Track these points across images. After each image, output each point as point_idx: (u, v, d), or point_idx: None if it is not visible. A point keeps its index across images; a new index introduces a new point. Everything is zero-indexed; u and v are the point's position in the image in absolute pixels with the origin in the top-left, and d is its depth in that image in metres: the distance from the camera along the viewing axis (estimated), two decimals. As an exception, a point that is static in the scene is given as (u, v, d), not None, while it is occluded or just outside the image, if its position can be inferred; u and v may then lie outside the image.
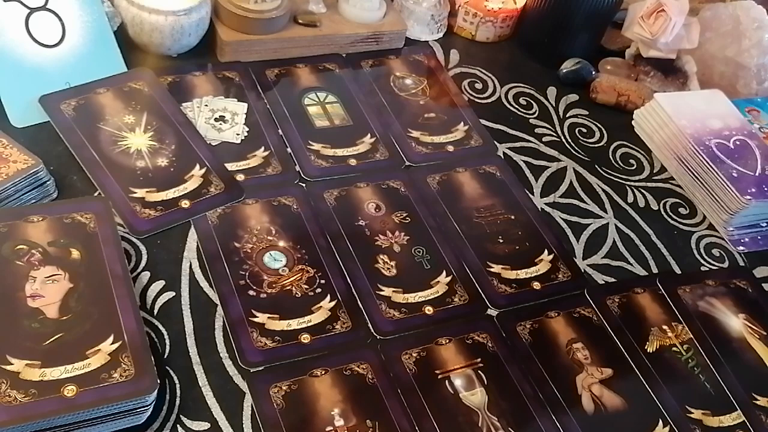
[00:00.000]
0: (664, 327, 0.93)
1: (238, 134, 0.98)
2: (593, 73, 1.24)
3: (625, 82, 1.23)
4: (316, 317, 0.82)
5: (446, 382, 0.81)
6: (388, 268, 0.89)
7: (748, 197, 1.04)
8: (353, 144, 1.03)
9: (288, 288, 0.84)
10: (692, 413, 0.86)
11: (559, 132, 1.16)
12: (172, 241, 0.85)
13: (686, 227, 1.08)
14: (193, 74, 1.04)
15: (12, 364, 0.66)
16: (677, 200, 1.11)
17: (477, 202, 1.01)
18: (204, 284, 0.83)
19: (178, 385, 0.74)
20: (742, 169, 1.08)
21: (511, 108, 1.17)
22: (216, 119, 0.99)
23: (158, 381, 0.68)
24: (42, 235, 0.76)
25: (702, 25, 1.24)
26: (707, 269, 1.03)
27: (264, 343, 0.78)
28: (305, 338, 0.80)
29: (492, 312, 0.89)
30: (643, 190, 1.11)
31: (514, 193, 1.03)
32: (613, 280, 0.97)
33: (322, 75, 1.11)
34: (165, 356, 0.76)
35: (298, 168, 0.97)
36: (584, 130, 1.18)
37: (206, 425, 0.72)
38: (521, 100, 1.19)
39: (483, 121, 1.13)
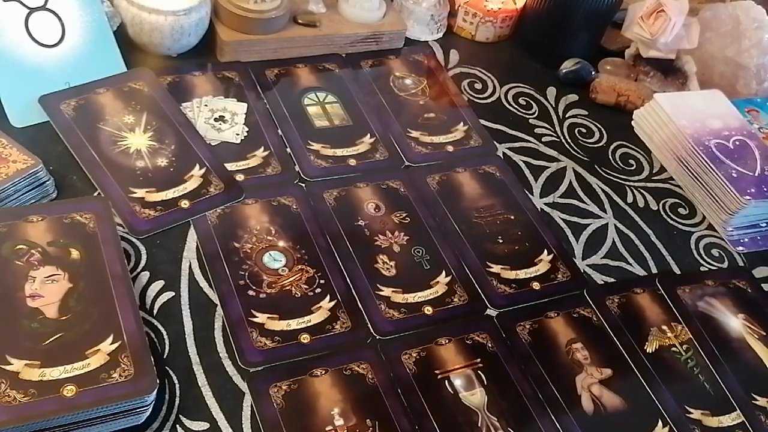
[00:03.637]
0: (664, 327, 0.93)
1: (237, 134, 0.98)
2: (593, 73, 1.24)
3: (624, 82, 1.23)
4: (316, 317, 0.82)
5: (446, 382, 0.81)
6: (388, 268, 0.89)
7: (748, 197, 1.04)
8: (353, 144, 1.03)
9: (287, 288, 0.84)
10: (691, 413, 0.86)
11: (559, 132, 1.16)
12: (171, 241, 0.85)
13: (686, 227, 1.08)
14: (193, 74, 1.04)
15: (11, 364, 0.66)
16: (677, 200, 1.11)
17: (477, 202, 1.01)
18: (203, 284, 0.83)
19: (177, 385, 0.74)
20: (742, 170, 1.08)
21: (511, 108, 1.17)
22: (216, 119, 0.99)
23: (158, 381, 0.68)
24: (41, 235, 0.76)
25: (702, 25, 1.24)
26: (707, 269, 1.03)
27: (264, 343, 0.79)
28: (305, 338, 0.80)
29: (491, 312, 0.89)
30: (642, 191, 1.11)
31: (513, 193, 1.03)
32: (612, 280, 0.97)
33: (322, 75, 1.11)
34: (164, 356, 0.76)
35: (297, 168, 0.97)
36: (584, 130, 1.18)
37: (206, 425, 0.72)
38: (521, 100, 1.19)
39: (483, 121, 1.13)
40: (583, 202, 1.06)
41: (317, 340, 0.81)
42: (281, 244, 0.88)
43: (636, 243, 1.03)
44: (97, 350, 0.68)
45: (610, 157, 1.15)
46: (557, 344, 0.88)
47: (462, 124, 1.11)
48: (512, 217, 1.00)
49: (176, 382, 0.74)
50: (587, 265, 0.98)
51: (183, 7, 1.00)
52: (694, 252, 1.05)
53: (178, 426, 0.71)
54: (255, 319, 0.80)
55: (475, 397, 0.80)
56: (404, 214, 0.96)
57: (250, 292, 0.82)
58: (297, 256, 0.87)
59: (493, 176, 1.05)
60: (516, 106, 1.18)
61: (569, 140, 1.15)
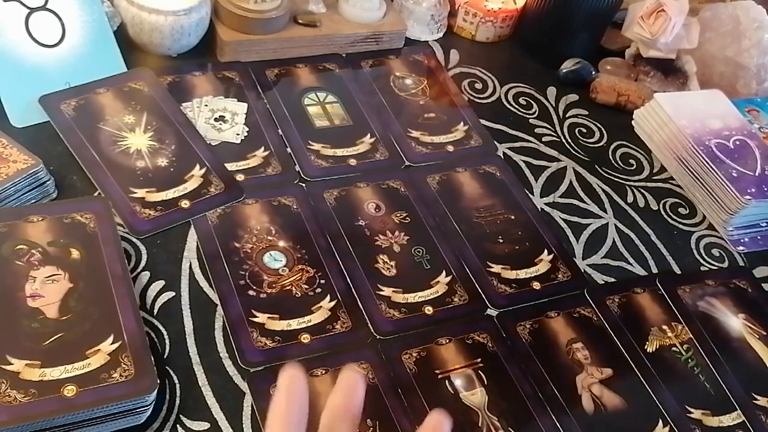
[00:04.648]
0: (664, 327, 0.93)
1: (238, 134, 0.98)
2: (593, 73, 1.24)
3: (625, 82, 1.23)
4: (316, 317, 0.82)
5: (446, 381, 0.81)
6: (388, 268, 0.89)
7: (748, 197, 1.04)
8: (353, 144, 1.03)
9: (288, 288, 0.84)
10: (692, 413, 0.86)
11: (559, 132, 1.16)
12: (172, 241, 0.85)
13: (686, 227, 1.08)
14: (193, 74, 1.04)
15: (12, 364, 0.66)
16: (677, 200, 1.11)
17: (477, 202, 1.01)
18: (204, 284, 0.83)
19: (177, 385, 0.74)
20: (742, 169, 1.08)
21: (511, 108, 1.17)
22: (216, 119, 0.99)
23: (158, 381, 0.68)
24: (42, 235, 0.76)
25: (702, 25, 1.24)
26: (707, 269, 1.03)
27: (264, 343, 0.79)
28: (305, 338, 0.80)
29: (492, 312, 0.89)
30: (642, 190, 1.11)
31: (514, 193, 1.03)
32: (612, 280, 0.97)
33: (322, 75, 1.11)
34: (165, 356, 0.76)
35: (298, 168, 0.97)
36: (584, 130, 1.18)
37: (206, 425, 0.72)
38: (521, 100, 1.19)
39: (483, 121, 1.13)
40: (584, 201, 1.06)
41: (317, 340, 0.81)
42: (281, 244, 0.88)
43: (636, 243, 1.03)
44: (98, 350, 0.68)
45: (611, 156, 1.15)
46: (557, 344, 0.88)
47: (462, 124, 1.11)
48: (512, 217, 1.00)
49: (177, 382, 0.74)
50: (587, 265, 0.98)
51: (183, 7, 1.00)
52: (695, 252, 1.05)
53: (178, 426, 0.71)
54: (255, 319, 0.80)
55: (476, 397, 0.80)
56: (404, 214, 0.96)
57: (251, 292, 0.82)
58: (297, 256, 0.87)
59: (493, 176, 1.05)
60: (516, 106, 1.18)
61: (569, 140, 1.15)
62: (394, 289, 0.87)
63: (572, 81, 1.24)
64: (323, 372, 0.78)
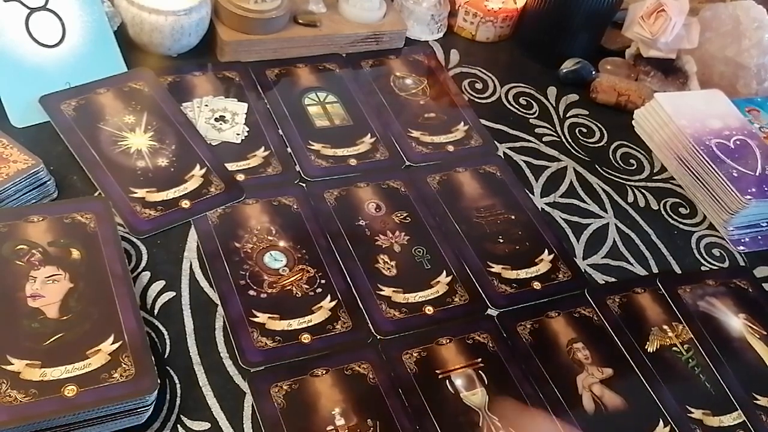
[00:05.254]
0: (665, 327, 0.93)
1: (238, 134, 0.98)
2: (593, 73, 1.24)
3: (625, 82, 1.23)
4: (317, 317, 0.82)
5: (447, 381, 0.81)
6: (389, 268, 0.89)
7: (749, 197, 1.04)
8: (353, 144, 1.03)
9: (288, 288, 0.84)
10: (692, 413, 0.86)
11: (559, 132, 1.16)
12: (172, 241, 0.85)
13: (686, 227, 1.08)
14: (193, 74, 1.04)
15: (12, 364, 0.66)
16: (677, 200, 1.11)
17: (477, 202, 1.01)
18: (204, 284, 0.83)
19: (178, 385, 0.74)
20: (743, 169, 1.08)
21: (511, 108, 1.17)
22: (216, 119, 0.99)
23: (158, 381, 0.68)
24: (42, 235, 0.76)
25: (702, 25, 1.24)
26: (707, 269, 1.03)
27: (264, 343, 0.78)
28: (306, 338, 0.80)
29: (492, 312, 0.89)
30: (643, 190, 1.11)
31: (514, 193, 1.03)
32: (613, 279, 0.97)
33: (322, 75, 1.11)
34: (165, 356, 0.76)
35: (298, 168, 0.97)
36: (584, 130, 1.18)
37: (206, 425, 0.72)
38: (521, 100, 1.19)
39: (483, 121, 1.13)
40: (584, 201, 1.06)
41: (318, 339, 0.80)
42: (282, 244, 0.88)
43: (637, 243, 1.03)
44: (98, 350, 0.68)
45: (611, 156, 1.15)
46: (558, 344, 0.88)
47: (462, 123, 1.11)
48: (513, 217, 1.00)
49: (177, 382, 0.74)
50: (588, 265, 0.98)
51: (183, 7, 0.99)
52: (695, 252, 1.05)
53: (179, 426, 0.71)
54: (256, 319, 0.80)
55: (476, 397, 0.80)
56: (405, 214, 0.96)
57: (251, 292, 0.82)
58: (298, 256, 0.87)
59: (493, 176, 1.05)
60: (516, 106, 1.18)
61: (570, 140, 1.15)
62: (395, 289, 0.87)
63: (572, 81, 1.24)
64: (323, 372, 0.78)
